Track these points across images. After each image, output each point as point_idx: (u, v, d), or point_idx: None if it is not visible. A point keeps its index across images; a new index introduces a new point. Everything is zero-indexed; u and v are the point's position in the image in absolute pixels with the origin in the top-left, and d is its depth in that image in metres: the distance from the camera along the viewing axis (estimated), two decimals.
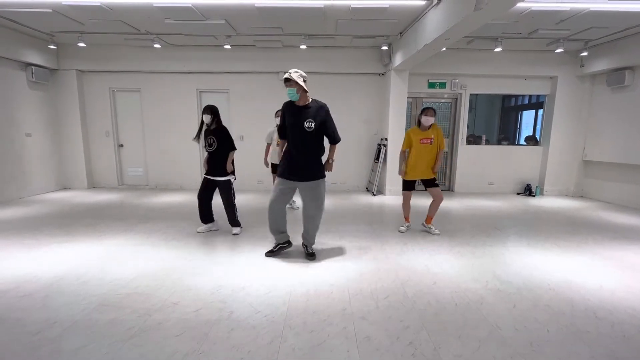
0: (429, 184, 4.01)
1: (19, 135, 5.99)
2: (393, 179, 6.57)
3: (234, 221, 4.01)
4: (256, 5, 4.48)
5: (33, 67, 6.09)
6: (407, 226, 4.25)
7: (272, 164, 5.09)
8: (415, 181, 4.09)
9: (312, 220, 3.20)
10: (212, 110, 3.80)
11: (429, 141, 3.90)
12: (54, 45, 6.15)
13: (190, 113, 7.00)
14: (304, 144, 3.00)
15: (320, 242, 3.74)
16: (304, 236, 3.33)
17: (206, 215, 4.02)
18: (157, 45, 6.12)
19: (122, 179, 7.35)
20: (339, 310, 2.33)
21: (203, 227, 4.06)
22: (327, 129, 3.05)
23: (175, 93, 6.94)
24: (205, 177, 3.94)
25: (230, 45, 6.12)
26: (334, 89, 6.81)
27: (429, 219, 4.17)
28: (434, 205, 4.08)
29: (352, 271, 2.99)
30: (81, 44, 5.92)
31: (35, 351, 1.87)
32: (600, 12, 4.48)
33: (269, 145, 5.03)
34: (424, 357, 1.86)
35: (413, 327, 2.15)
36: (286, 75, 2.85)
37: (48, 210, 5.16)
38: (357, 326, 2.14)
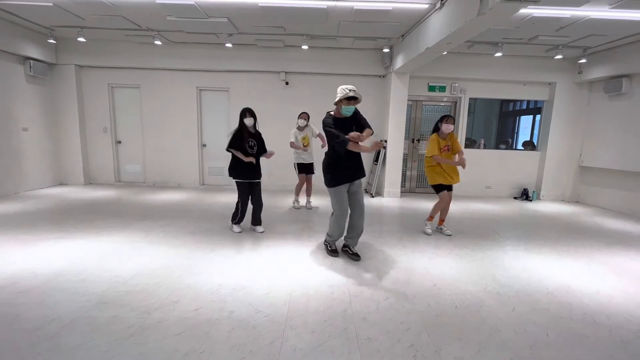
0: (449, 187, 4.15)
1: (15, 130, 5.92)
2: (392, 181, 6.60)
3: (258, 220, 4.08)
4: (259, 4, 4.48)
5: (31, 61, 6.03)
6: (443, 228, 4.27)
7: (298, 164, 5.13)
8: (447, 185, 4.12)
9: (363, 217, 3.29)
10: (253, 113, 3.79)
11: (447, 148, 4.02)
12: (53, 40, 6.08)
13: (190, 111, 6.97)
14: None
15: (320, 242, 3.74)
16: (353, 237, 3.37)
17: (244, 216, 4.04)
18: (157, 42, 6.09)
19: (120, 176, 7.29)
20: (339, 311, 2.34)
21: (238, 227, 4.05)
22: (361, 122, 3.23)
23: (175, 90, 6.91)
24: (248, 183, 3.89)
25: (232, 44, 6.10)
26: (334, 90, 6.79)
27: (441, 221, 4.31)
28: (445, 210, 4.22)
29: (352, 272, 2.99)
30: (81, 39, 5.87)
31: (34, 348, 1.85)
32: (599, 19, 4.54)
33: (293, 143, 5.04)
34: (425, 359, 1.87)
35: (414, 328, 2.15)
36: (357, 95, 2.97)
37: (45, 205, 5.11)
38: (358, 327, 2.15)
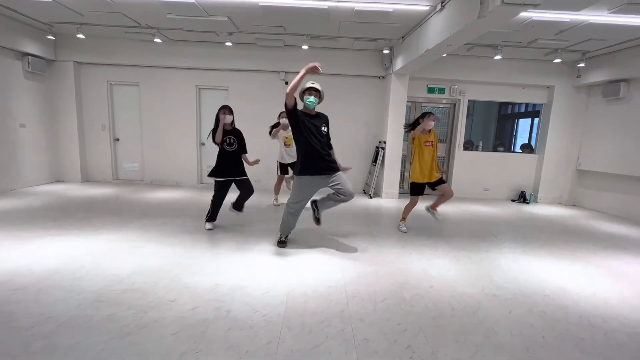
0: (438, 183, 4.16)
1: (13, 126, 5.89)
2: (390, 182, 6.61)
3: (242, 205, 4.10)
4: (260, 3, 4.47)
5: (30, 57, 5.99)
6: (405, 225, 4.39)
7: (280, 164, 5.12)
8: (424, 186, 4.18)
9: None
10: (232, 110, 3.88)
11: (430, 144, 4.09)
12: (52, 36, 6.05)
13: (189, 109, 6.96)
14: (322, 144, 3.32)
15: (319, 242, 3.74)
16: (330, 200, 3.45)
17: (217, 214, 4.10)
18: (157, 40, 6.07)
19: (117, 174, 7.26)
20: (337, 311, 2.33)
21: (210, 224, 4.09)
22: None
23: (174, 89, 6.89)
24: (224, 181, 3.91)
25: (232, 43, 6.09)
26: (333, 90, 6.79)
27: (435, 206, 4.34)
28: (444, 200, 4.25)
29: (349, 273, 2.99)
30: (80, 36, 5.83)
31: (29, 346, 1.84)
32: (598, 24, 4.56)
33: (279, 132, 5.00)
34: None
35: (411, 330, 2.16)
36: (316, 86, 3.19)
37: (41, 202, 5.08)
38: (355, 328, 2.15)
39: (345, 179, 3.34)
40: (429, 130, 4.09)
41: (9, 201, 5.09)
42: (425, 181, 4.13)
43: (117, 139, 7.15)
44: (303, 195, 3.41)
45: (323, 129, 3.31)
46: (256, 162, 4.00)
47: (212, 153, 7.08)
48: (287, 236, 3.66)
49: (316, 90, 3.18)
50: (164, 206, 5.21)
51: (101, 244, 3.45)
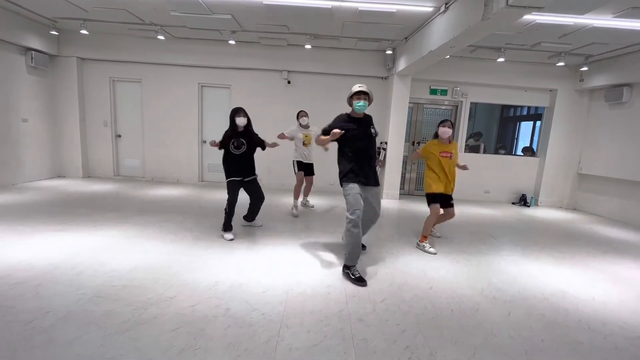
0: (447, 203, 3.78)
1: (15, 121, 5.90)
2: (391, 183, 6.60)
3: (254, 216, 4.04)
4: (264, 2, 4.47)
5: (33, 52, 6.00)
6: (430, 245, 3.72)
7: (297, 162, 5.03)
8: (441, 194, 3.72)
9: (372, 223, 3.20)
10: (246, 112, 3.72)
11: (449, 155, 3.70)
12: (55, 31, 6.06)
13: (191, 107, 6.96)
14: (369, 151, 3.09)
15: (319, 242, 3.74)
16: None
17: (230, 221, 3.79)
18: (160, 37, 6.08)
19: (118, 170, 7.27)
20: (336, 311, 2.33)
21: (229, 234, 3.74)
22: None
23: (177, 86, 6.89)
24: (237, 181, 3.72)
25: (235, 41, 6.09)
26: (336, 90, 6.81)
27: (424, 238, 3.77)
28: (442, 220, 3.94)
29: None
30: (83, 31, 5.84)
31: (28, 341, 1.84)
32: (602, 28, 4.55)
33: (284, 135, 4.85)
34: None
35: (409, 331, 2.15)
36: (364, 89, 2.96)
37: (42, 197, 5.09)
38: (354, 328, 2.15)
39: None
40: (448, 140, 3.71)
41: (10, 196, 5.10)
42: (442, 191, 3.70)
43: (119, 136, 7.16)
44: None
45: (372, 130, 3.11)
46: (275, 144, 3.92)
47: (213, 151, 7.12)
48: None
49: (365, 93, 2.99)
50: (165, 203, 5.21)
51: (101, 239, 3.45)
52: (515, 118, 9.58)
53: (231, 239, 3.66)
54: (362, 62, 6.70)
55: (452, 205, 3.82)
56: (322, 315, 2.27)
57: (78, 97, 6.73)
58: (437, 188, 3.71)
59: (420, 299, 2.59)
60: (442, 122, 3.73)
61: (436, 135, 3.80)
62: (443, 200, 3.75)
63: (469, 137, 7.62)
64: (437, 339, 2.09)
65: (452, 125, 3.70)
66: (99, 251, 3.14)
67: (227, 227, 3.75)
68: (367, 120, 3.13)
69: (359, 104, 2.98)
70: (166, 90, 6.90)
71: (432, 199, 3.75)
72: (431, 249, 3.64)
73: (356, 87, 3.00)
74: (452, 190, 3.80)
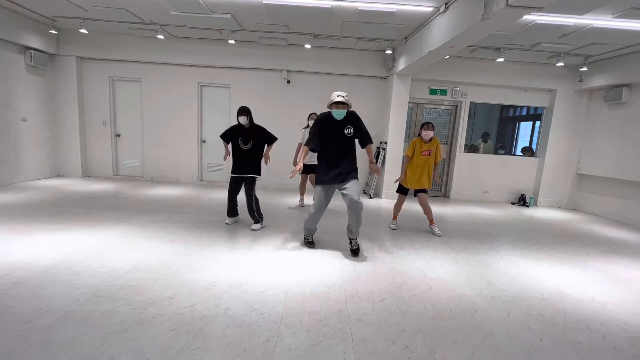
0: (420, 190, 4.39)
1: (14, 120, 5.89)
2: (390, 183, 6.60)
3: (259, 215, 4.13)
4: (264, 1, 4.47)
5: (32, 51, 5.99)
6: (396, 223, 4.60)
7: (304, 164, 4.97)
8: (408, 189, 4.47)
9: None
10: (248, 111, 3.96)
11: (428, 153, 4.24)
12: (55, 30, 6.05)
13: (191, 106, 6.95)
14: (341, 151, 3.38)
15: (318, 242, 3.74)
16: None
17: (234, 209, 4.24)
18: (160, 36, 6.07)
19: (118, 169, 7.26)
20: (335, 311, 2.33)
21: (231, 219, 4.25)
22: (361, 130, 3.41)
23: (176, 85, 6.89)
24: (236, 177, 4.05)
25: (235, 41, 6.09)
26: (335, 90, 6.81)
27: (430, 221, 4.47)
28: (428, 211, 4.42)
29: (348, 273, 2.99)
30: (83, 31, 5.83)
31: (26, 340, 1.84)
32: (602, 28, 4.55)
33: (300, 144, 4.88)
34: None
35: (409, 331, 2.15)
36: (345, 100, 3.18)
37: (41, 197, 5.08)
38: (353, 328, 2.14)
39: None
40: (429, 140, 4.21)
41: (9, 195, 5.09)
42: (413, 187, 4.37)
43: (118, 135, 7.15)
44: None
45: (346, 131, 3.32)
46: (266, 160, 4.21)
47: (212, 150, 7.12)
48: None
49: (343, 103, 3.23)
50: (164, 203, 5.21)
51: (100, 239, 3.45)
52: (515, 118, 9.59)
53: (227, 223, 4.18)
54: (362, 62, 6.70)
55: (424, 192, 4.40)
56: (321, 315, 2.27)
57: (77, 97, 6.72)
58: (412, 185, 4.36)
59: (419, 299, 2.59)
60: (424, 125, 4.21)
61: (419, 135, 4.31)
62: (417, 190, 4.41)
63: (479, 140, 7.70)
64: (436, 339, 2.09)
65: (433, 127, 4.22)
66: (98, 251, 3.13)
67: (227, 212, 4.23)
68: (346, 120, 3.32)
69: (338, 112, 3.25)
70: (166, 89, 6.89)
71: (401, 189, 4.49)
72: (393, 226, 4.51)
73: (335, 97, 3.20)
74: (428, 186, 4.35)
